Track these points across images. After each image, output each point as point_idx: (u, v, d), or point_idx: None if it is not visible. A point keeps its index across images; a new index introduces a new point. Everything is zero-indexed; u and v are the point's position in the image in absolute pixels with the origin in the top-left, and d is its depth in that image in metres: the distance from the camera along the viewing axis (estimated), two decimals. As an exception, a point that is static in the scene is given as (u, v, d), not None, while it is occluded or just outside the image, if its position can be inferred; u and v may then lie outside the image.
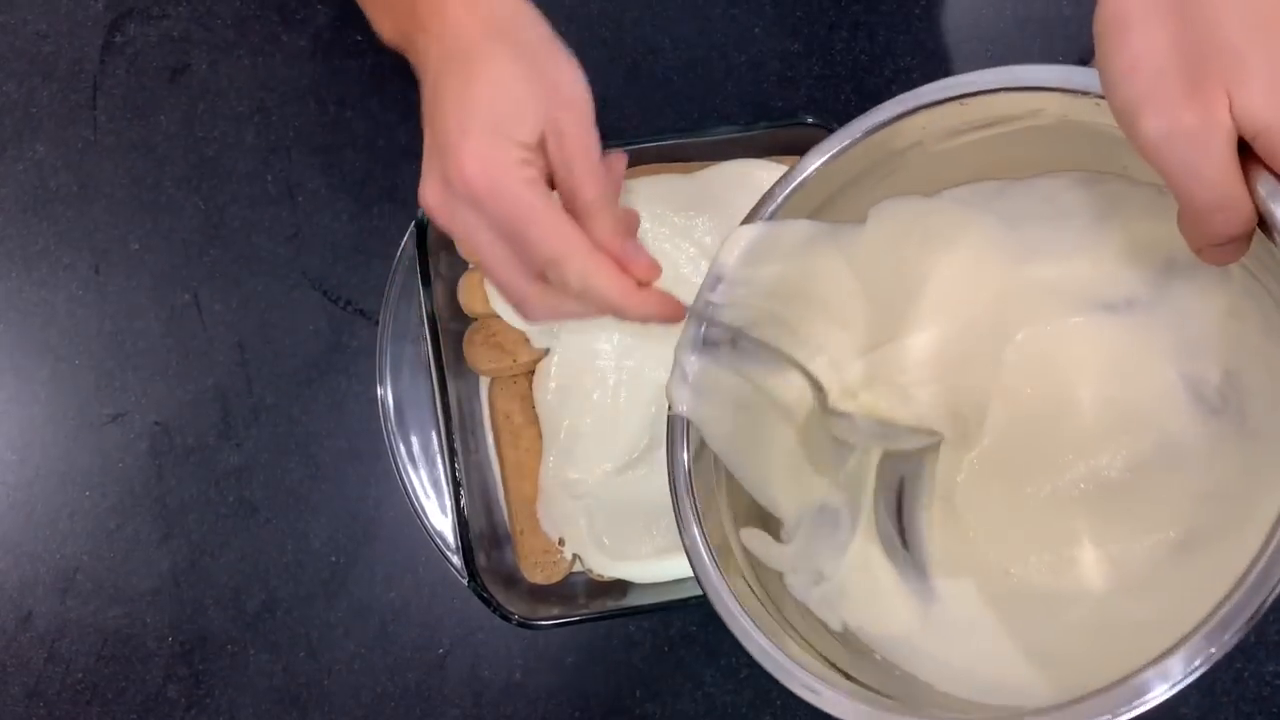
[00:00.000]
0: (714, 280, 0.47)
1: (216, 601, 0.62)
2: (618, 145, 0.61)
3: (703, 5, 0.68)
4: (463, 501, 0.57)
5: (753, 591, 0.46)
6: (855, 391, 0.49)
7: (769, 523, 0.49)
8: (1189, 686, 0.36)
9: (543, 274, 0.47)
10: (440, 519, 0.59)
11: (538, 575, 0.60)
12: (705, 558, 0.45)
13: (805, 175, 0.47)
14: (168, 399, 0.64)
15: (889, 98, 0.68)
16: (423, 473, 0.59)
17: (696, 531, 0.45)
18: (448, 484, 0.58)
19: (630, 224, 0.51)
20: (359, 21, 0.58)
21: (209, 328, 0.65)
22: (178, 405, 0.64)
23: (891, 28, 0.68)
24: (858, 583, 0.47)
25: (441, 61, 0.48)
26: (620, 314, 0.48)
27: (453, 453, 0.57)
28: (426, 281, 0.59)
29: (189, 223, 0.65)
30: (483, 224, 0.46)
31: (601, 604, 0.59)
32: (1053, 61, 0.66)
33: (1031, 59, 0.67)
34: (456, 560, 0.57)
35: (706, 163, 0.62)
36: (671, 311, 0.48)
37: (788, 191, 0.47)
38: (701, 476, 0.47)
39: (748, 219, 0.47)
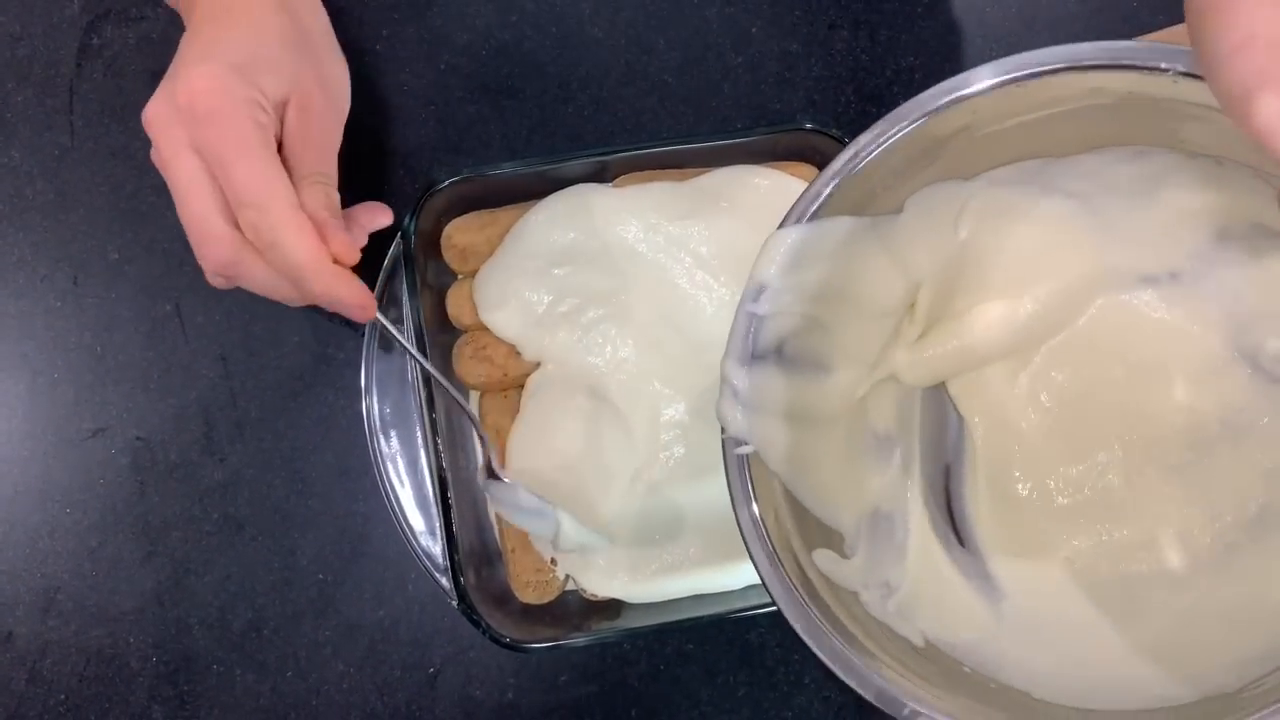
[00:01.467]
0: (756, 290, 0.44)
1: (202, 621, 0.61)
2: (610, 150, 0.59)
3: (698, 4, 0.66)
4: (453, 524, 0.55)
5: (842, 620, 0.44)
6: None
7: (832, 543, 0.48)
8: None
9: (235, 219, 0.46)
10: (429, 538, 0.57)
11: (529, 595, 0.58)
12: (790, 597, 0.43)
13: (846, 170, 0.44)
14: (149, 413, 0.62)
15: (890, 99, 0.67)
16: (411, 490, 0.58)
17: (776, 575, 0.43)
18: (436, 503, 0.56)
19: (359, 224, 0.53)
20: (341, 21, 0.57)
21: (191, 340, 0.63)
22: (160, 419, 0.62)
23: (893, 26, 0.66)
24: (926, 585, 0.46)
25: (208, 8, 0.47)
26: (303, 282, 0.47)
27: (443, 476, 0.55)
28: (414, 291, 0.57)
29: (170, 231, 0.64)
30: (191, 146, 0.45)
31: (595, 623, 0.58)
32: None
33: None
34: (445, 581, 0.56)
35: (702, 169, 0.60)
36: (358, 298, 0.48)
37: (829, 189, 0.44)
38: (769, 514, 0.44)
39: (785, 221, 0.44)
